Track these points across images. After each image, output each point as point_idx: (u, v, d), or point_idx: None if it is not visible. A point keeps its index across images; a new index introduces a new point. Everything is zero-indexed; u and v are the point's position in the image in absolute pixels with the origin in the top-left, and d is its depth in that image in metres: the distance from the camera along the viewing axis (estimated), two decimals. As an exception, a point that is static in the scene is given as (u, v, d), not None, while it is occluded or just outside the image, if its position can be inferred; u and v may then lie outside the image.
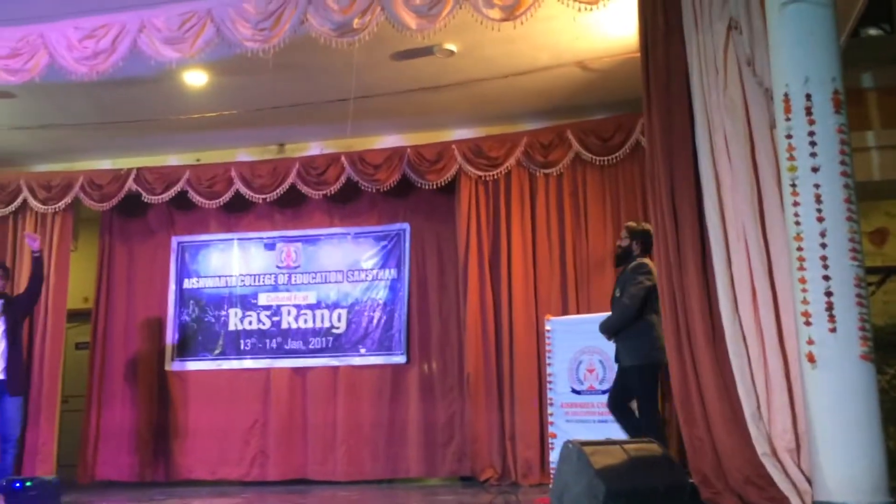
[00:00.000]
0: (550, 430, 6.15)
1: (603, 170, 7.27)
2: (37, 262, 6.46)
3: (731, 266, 4.44)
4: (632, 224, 5.83)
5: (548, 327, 6.30)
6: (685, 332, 4.54)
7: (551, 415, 6.18)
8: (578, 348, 6.07)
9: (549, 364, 6.25)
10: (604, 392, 5.89)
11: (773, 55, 4.01)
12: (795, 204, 3.77)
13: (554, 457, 6.07)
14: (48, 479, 4.98)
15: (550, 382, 6.23)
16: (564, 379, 6.12)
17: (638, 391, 5.40)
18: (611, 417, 5.82)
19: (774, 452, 4.17)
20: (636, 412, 5.47)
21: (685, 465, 4.66)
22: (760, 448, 4.17)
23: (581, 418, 6.00)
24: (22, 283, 7.76)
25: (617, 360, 5.56)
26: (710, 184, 4.53)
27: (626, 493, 4.17)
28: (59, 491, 5.08)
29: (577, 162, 7.32)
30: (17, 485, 4.81)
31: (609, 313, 5.61)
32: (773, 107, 4.08)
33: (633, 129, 7.03)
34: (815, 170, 3.73)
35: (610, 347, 5.84)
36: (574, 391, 6.07)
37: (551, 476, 6.07)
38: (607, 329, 5.53)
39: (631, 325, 5.39)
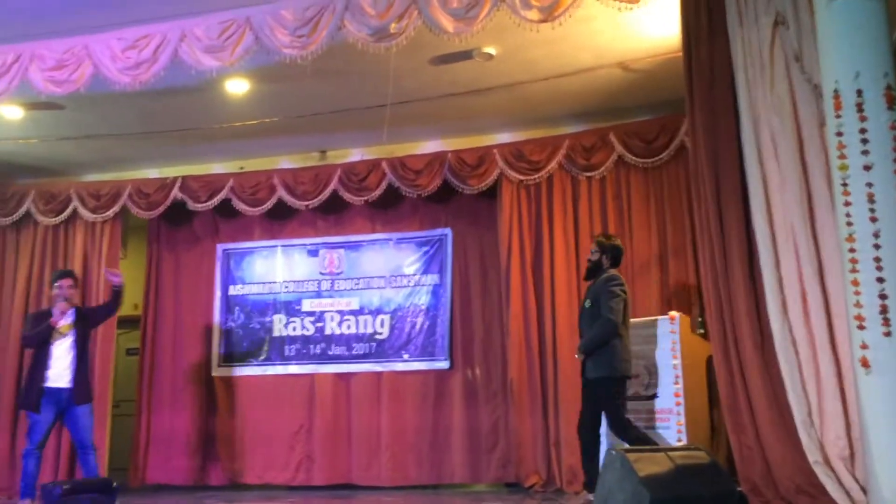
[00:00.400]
0: (596, 436, 6.03)
1: (647, 172, 7.15)
2: (116, 294, 6.44)
3: (780, 268, 4.33)
4: (601, 238, 5.82)
5: (592, 332, 6.18)
6: (732, 337, 4.43)
7: (597, 421, 6.06)
8: (624, 354, 5.95)
9: (594, 369, 6.13)
10: (650, 398, 5.78)
11: (822, 51, 3.90)
12: (847, 204, 3.65)
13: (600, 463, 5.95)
14: (109, 481, 5.03)
15: (596, 388, 6.11)
16: (610, 385, 6.01)
17: (604, 403, 5.39)
18: (658, 424, 5.73)
19: (827, 460, 4.04)
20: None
21: (734, 473, 4.55)
22: (812, 456, 4.05)
23: (627, 425, 5.88)
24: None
25: (583, 373, 5.53)
26: (757, 184, 4.42)
27: (672, 501, 4.07)
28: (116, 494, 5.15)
29: (620, 165, 7.21)
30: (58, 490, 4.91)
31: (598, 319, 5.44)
32: (822, 104, 3.98)
33: (678, 131, 6.89)
34: (867, 168, 3.61)
35: (656, 352, 5.73)
36: (620, 397, 5.96)
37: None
38: (595, 343, 5.42)
39: None
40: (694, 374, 5.82)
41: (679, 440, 5.53)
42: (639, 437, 5.23)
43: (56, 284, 6.21)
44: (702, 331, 6.27)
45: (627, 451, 4.31)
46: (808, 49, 4.24)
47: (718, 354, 4.50)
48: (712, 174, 4.58)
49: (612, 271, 5.61)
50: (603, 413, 5.45)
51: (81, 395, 6.06)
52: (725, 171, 4.55)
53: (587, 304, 5.60)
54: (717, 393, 6.03)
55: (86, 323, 6.31)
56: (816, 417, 4.10)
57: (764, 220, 4.37)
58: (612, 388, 5.37)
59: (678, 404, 5.63)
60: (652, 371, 5.81)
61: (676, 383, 5.65)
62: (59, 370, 6.04)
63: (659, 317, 6.04)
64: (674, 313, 5.78)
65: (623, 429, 5.32)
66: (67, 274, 6.40)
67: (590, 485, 5.39)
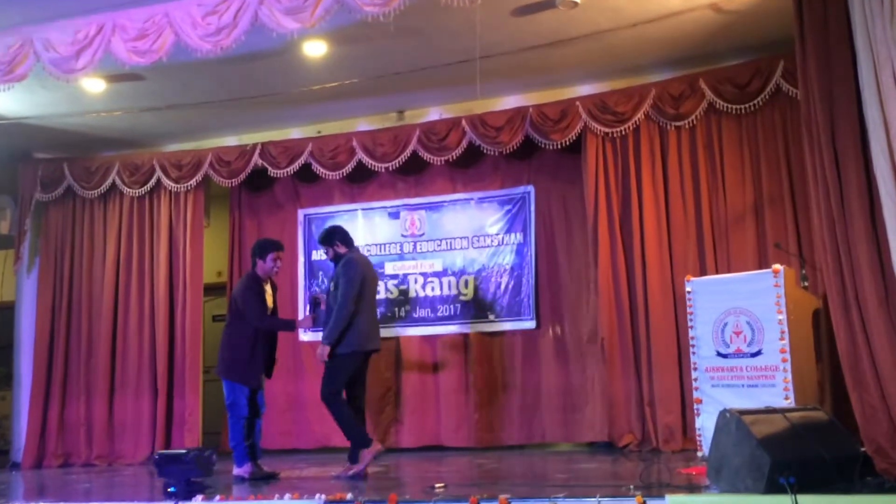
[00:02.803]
0: (695, 395, 5.84)
1: (739, 119, 6.83)
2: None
3: (904, 217, 4.03)
4: (321, 236, 6.21)
5: (688, 288, 5.95)
6: (852, 291, 4.18)
7: (695, 380, 5.86)
8: (724, 310, 5.69)
9: (691, 327, 5.91)
10: (753, 355, 5.55)
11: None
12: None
13: (700, 423, 5.77)
14: (203, 452, 5.09)
15: (693, 346, 5.89)
16: (709, 342, 5.78)
17: (325, 371, 5.82)
18: (761, 382, 5.50)
19: (960, 419, 3.79)
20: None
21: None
22: (944, 415, 3.80)
23: (728, 383, 5.66)
24: (158, 265, 8.11)
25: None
26: (878, 127, 4.10)
27: (793, 463, 3.89)
28: (212, 463, 5.21)
29: (710, 112, 6.90)
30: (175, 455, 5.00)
31: None
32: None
33: (773, 74, 6.56)
34: None
35: (759, 308, 5.49)
36: (720, 354, 5.72)
37: (697, 442, 5.82)
38: (333, 335, 5.77)
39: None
40: (800, 330, 5.56)
41: (786, 398, 5.31)
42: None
43: (275, 256, 6.13)
44: (805, 284, 6.01)
45: (742, 412, 4.14)
46: (933, -23, 3.90)
47: (837, 309, 4.25)
48: (827, 118, 4.28)
49: (350, 255, 6.00)
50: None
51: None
52: (842, 114, 4.24)
53: (332, 286, 5.94)
54: (823, 349, 5.83)
55: None
56: (948, 374, 3.85)
57: (886, 165, 4.05)
58: (354, 362, 5.86)
59: (784, 360, 5.37)
60: (755, 327, 5.57)
61: (782, 339, 5.39)
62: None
63: (760, 271, 5.78)
64: (777, 266, 5.49)
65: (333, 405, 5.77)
66: (282, 246, 6.32)
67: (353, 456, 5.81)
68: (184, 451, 5.14)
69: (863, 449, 4.16)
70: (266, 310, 6.10)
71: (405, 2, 5.13)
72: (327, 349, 5.80)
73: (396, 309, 8.04)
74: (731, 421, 4.08)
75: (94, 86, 6.91)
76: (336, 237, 6.11)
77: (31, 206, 8.46)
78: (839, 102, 4.26)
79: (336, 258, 6.07)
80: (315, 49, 6.47)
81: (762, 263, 6.40)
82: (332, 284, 6.00)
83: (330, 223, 8.22)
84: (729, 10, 6.12)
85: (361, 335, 5.88)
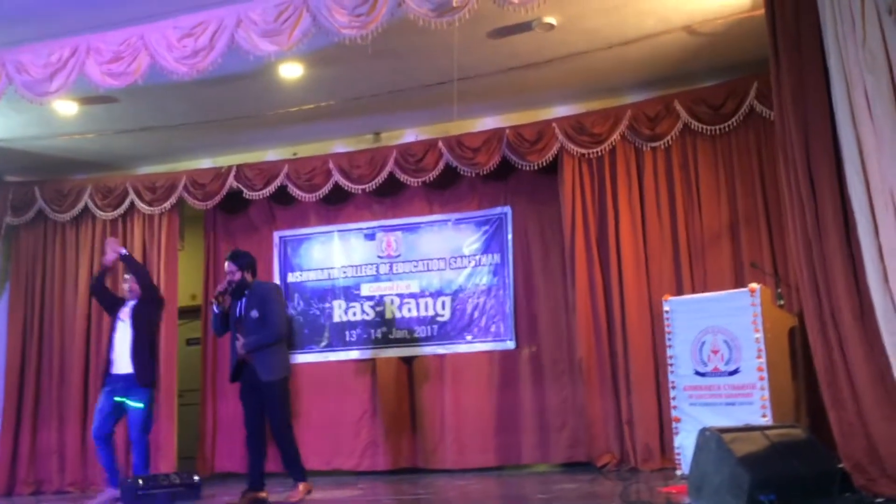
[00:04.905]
0: (674, 413, 5.85)
1: (714, 140, 6.90)
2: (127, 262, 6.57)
3: (879, 235, 4.07)
4: (232, 253, 6.13)
5: (666, 308, 5.98)
6: (828, 309, 4.21)
7: (674, 398, 5.88)
8: (702, 328, 5.72)
9: (670, 346, 5.94)
10: (731, 373, 5.58)
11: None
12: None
13: (679, 441, 5.79)
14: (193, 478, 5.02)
15: (671, 365, 5.92)
16: (687, 361, 5.81)
17: (275, 403, 5.79)
18: (739, 400, 5.53)
19: (938, 436, 3.83)
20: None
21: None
22: (922, 432, 3.83)
23: (707, 401, 5.68)
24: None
25: (253, 378, 5.78)
26: (852, 147, 4.15)
27: (773, 481, 3.92)
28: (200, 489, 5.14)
29: (686, 133, 6.97)
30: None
31: None
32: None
33: (747, 95, 6.65)
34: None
35: (736, 327, 5.53)
36: (698, 373, 5.75)
37: (676, 460, 5.84)
38: (258, 346, 5.76)
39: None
40: (776, 348, 5.60)
41: (764, 416, 5.34)
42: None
43: None
44: (781, 302, 6.06)
45: (722, 430, 4.17)
46: (902, 1, 3.98)
47: (814, 327, 4.28)
48: (802, 138, 4.33)
49: (262, 280, 6.23)
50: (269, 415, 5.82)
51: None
52: (816, 135, 4.30)
53: (254, 313, 5.85)
54: (799, 366, 5.87)
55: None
56: (925, 391, 3.89)
57: (860, 185, 4.11)
58: (283, 389, 5.87)
59: (762, 378, 5.41)
60: (732, 346, 5.60)
61: (759, 357, 5.43)
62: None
63: (737, 290, 5.82)
64: (754, 285, 5.54)
65: (285, 431, 5.83)
66: None
67: (256, 484, 5.86)
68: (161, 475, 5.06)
69: (841, 465, 4.18)
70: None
71: (383, 24, 5.15)
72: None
73: (373, 331, 8.00)
74: (710, 439, 4.10)
75: (66, 108, 6.83)
76: (254, 261, 6.16)
77: (2, 229, 8.29)
78: (813, 123, 4.32)
79: (244, 285, 5.98)
80: (291, 71, 6.46)
81: (738, 282, 6.44)
82: (254, 311, 5.91)
83: (306, 245, 8.23)
84: (703, 32, 6.20)
85: (287, 361, 6.06)
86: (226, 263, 6.02)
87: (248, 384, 5.88)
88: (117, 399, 6.27)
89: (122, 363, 6.31)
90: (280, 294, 6.24)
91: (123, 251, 6.54)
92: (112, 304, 6.64)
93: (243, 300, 5.97)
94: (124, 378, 6.29)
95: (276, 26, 5.30)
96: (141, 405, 6.21)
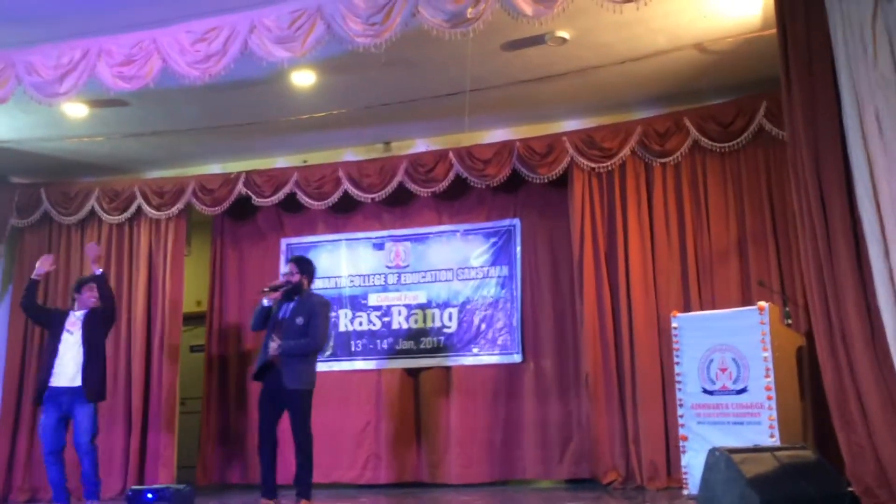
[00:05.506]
0: (681, 432, 5.81)
1: (723, 157, 6.88)
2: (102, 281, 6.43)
3: (890, 257, 4.05)
4: (297, 256, 6.33)
5: (674, 324, 5.95)
6: (839, 331, 4.19)
7: (681, 416, 5.83)
8: (709, 346, 5.69)
9: (678, 363, 5.90)
10: (738, 392, 5.53)
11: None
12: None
13: (686, 460, 5.74)
14: (181, 489, 4.96)
15: (679, 382, 5.88)
16: (694, 378, 5.77)
17: (299, 414, 5.86)
18: (747, 419, 5.48)
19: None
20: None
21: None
22: (933, 457, 3.79)
23: (714, 420, 5.64)
24: (136, 294, 7.98)
25: (276, 385, 5.79)
26: (862, 168, 4.15)
27: (782, 503, 3.87)
28: (192, 499, 5.07)
29: (695, 150, 6.95)
30: (150, 496, 4.83)
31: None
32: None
33: (756, 113, 6.63)
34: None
35: (745, 345, 5.49)
36: (705, 391, 5.71)
37: (683, 480, 5.79)
38: (295, 352, 5.80)
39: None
40: (784, 367, 5.56)
41: (772, 436, 5.29)
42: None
43: None
44: (789, 321, 6.02)
45: (731, 451, 4.13)
46: (915, 23, 3.97)
47: (824, 350, 4.25)
48: (812, 159, 4.32)
49: (316, 293, 6.23)
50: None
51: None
52: (827, 155, 4.29)
53: (299, 320, 5.89)
54: (806, 386, 5.82)
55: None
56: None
57: (871, 206, 4.10)
58: (308, 400, 5.94)
59: (769, 398, 5.35)
60: (740, 364, 5.56)
61: (767, 376, 5.38)
62: None
63: (746, 308, 5.78)
64: (763, 303, 5.51)
65: (306, 440, 5.90)
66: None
67: (269, 493, 5.90)
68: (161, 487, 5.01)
69: (850, 488, 4.13)
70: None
71: (397, 33, 5.15)
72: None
73: (379, 341, 7.95)
74: (720, 460, 4.06)
75: (76, 110, 6.84)
76: (314, 269, 6.23)
77: (7, 231, 8.25)
78: (824, 144, 4.30)
79: (297, 289, 6.04)
80: (304, 78, 6.46)
81: (745, 300, 6.41)
82: (300, 318, 5.93)
83: (313, 253, 8.20)
84: (713, 50, 6.21)
85: (314, 375, 6.05)
86: (288, 265, 6.13)
87: (270, 390, 5.86)
88: (62, 413, 6.04)
89: (67, 375, 6.04)
90: (329, 310, 6.32)
91: (100, 271, 6.43)
92: (48, 318, 6.44)
93: (292, 304, 5.99)
94: (69, 391, 6.02)
95: (290, 33, 5.31)
96: (89, 413, 6.03)
